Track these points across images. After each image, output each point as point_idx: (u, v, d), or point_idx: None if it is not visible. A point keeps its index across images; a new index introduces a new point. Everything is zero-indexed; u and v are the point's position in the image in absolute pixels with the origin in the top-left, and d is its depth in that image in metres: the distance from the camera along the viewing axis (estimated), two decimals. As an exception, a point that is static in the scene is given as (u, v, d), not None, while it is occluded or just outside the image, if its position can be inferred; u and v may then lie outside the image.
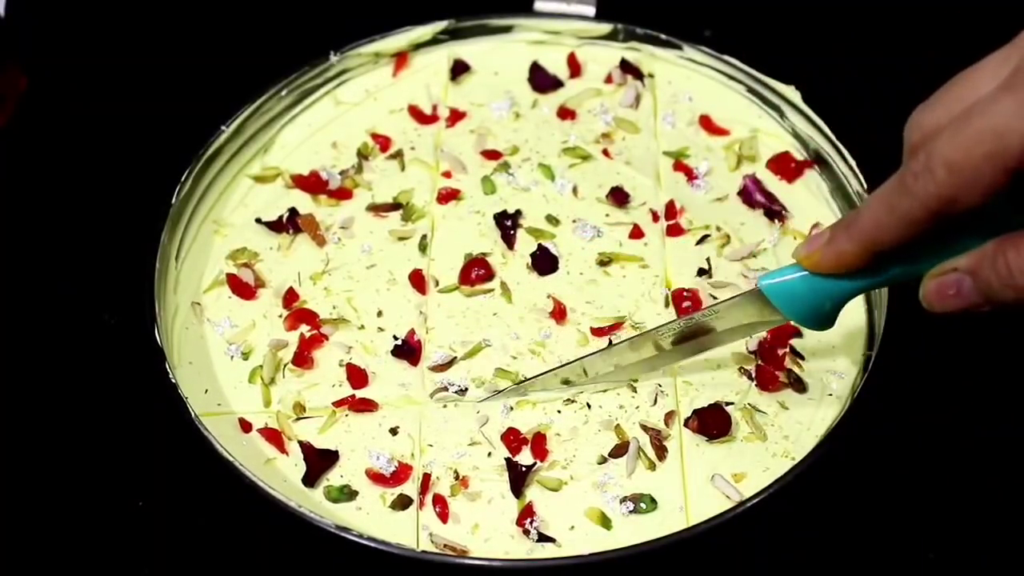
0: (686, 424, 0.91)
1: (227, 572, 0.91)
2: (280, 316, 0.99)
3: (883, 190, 0.70)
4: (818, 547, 0.89)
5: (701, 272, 1.00)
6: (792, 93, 1.08)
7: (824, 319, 0.82)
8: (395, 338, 0.96)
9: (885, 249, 0.72)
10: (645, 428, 0.91)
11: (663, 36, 1.14)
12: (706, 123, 1.11)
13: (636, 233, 1.03)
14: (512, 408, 0.92)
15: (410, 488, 0.89)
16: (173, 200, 1.00)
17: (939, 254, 0.73)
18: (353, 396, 0.94)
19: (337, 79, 1.14)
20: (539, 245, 1.02)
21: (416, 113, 1.13)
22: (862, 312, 0.97)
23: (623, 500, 0.87)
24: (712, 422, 0.91)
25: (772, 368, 0.94)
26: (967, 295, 0.72)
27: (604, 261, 1.01)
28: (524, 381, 0.93)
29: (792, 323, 0.85)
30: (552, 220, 1.04)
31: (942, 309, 0.74)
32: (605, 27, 1.15)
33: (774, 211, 1.04)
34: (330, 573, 0.88)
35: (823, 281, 0.79)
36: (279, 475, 0.90)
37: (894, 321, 0.91)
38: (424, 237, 1.03)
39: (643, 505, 0.87)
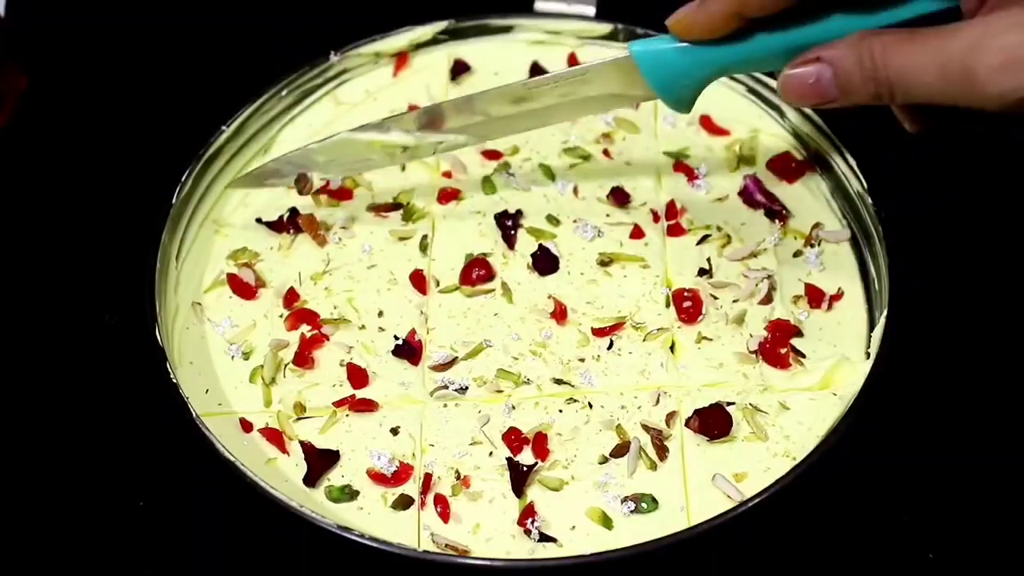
0: (687, 424, 0.91)
1: (227, 572, 0.90)
2: (281, 316, 0.99)
3: None
4: (818, 547, 0.89)
5: (702, 272, 1.00)
6: (792, 93, 1.08)
7: (687, 96, 0.86)
8: (396, 338, 0.96)
9: (753, 12, 0.76)
10: (646, 428, 0.91)
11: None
12: (706, 123, 1.11)
13: (637, 233, 1.02)
14: (514, 407, 0.92)
15: (411, 488, 0.89)
16: (173, 200, 1.00)
17: (806, 35, 0.77)
18: (354, 396, 0.94)
19: (337, 79, 1.14)
20: (540, 245, 1.02)
21: (416, 113, 1.13)
22: (863, 311, 0.98)
23: (624, 500, 0.87)
24: (713, 422, 0.91)
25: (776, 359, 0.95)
26: (825, 87, 0.75)
27: (605, 261, 1.01)
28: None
29: (658, 98, 0.87)
30: (553, 220, 1.04)
31: (798, 100, 0.78)
32: (605, 27, 1.15)
33: (774, 211, 1.04)
34: (331, 573, 0.88)
35: (693, 51, 0.82)
36: (280, 475, 0.90)
37: (895, 320, 0.91)
38: (425, 237, 1.03)
39: (644, 505, 0.87)
